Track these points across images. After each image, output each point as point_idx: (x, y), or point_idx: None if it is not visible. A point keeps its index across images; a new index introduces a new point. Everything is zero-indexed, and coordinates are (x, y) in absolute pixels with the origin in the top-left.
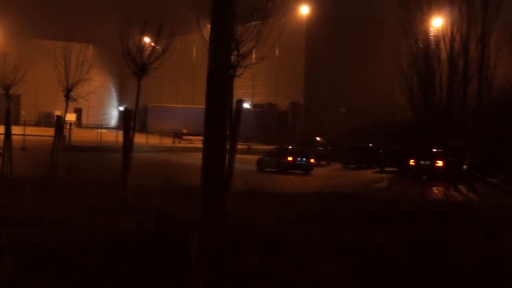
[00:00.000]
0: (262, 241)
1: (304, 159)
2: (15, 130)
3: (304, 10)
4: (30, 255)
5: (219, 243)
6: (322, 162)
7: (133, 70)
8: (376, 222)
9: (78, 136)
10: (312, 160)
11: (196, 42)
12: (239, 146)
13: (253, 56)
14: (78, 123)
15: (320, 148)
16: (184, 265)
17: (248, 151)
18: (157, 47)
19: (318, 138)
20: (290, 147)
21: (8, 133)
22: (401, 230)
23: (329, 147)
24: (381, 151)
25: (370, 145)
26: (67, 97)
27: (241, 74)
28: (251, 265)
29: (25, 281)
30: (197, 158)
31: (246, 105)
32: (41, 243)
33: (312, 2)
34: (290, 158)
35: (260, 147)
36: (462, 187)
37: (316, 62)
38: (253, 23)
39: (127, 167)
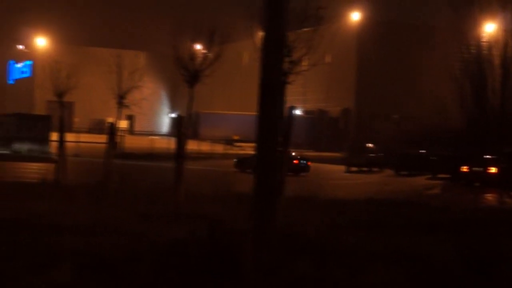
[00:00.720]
0: (314, 248)
1: (305, 161)
2: (69, 137)
3: (355, 17)
4: (85, 262)
5: (271, 250)
6: (374, 169)
7: (185, 77)
8: (430, 230)
9: (131, 143)
10: (309, 163)
11: (247, 49)
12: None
13: (305, 62)
14: (130, 130)
15: (371, 155)
16: (237, 273)
17: None
18: (209, 54)
19: (369, 145)
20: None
21: (61, 140)
22: (455, 238)
23: (380, 154)
24: (433, 158)
25: (422, 151)
26: (120, 104)
27: (293, 80)
28: (303, 273)
29: (79, 286)
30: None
31: (297, 112)
32: (96, 250)
33: (363, 8)
34: (295, 161)
35: (312, 153)
36: None
37: (367, 68)
38: (304, 29)
39: (179, 174)
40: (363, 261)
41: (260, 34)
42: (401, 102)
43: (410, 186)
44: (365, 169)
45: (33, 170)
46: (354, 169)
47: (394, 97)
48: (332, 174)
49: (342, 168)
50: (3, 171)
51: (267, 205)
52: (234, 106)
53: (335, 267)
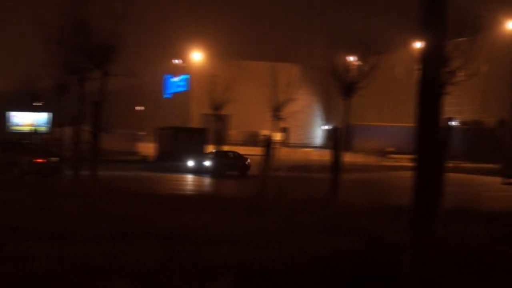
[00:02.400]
0: (476, 262)
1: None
2: (224, 149)
3: None
4: (243, 274)
5: (431, 264)
6: None
7: (340, 90)
8: None
9: (285, 155)
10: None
11: (401, 60)
12: (446, 164)
13: (461, 72)
14: (284, 142)
15: None
16: (396, 286)
17: (455, 169)
18: (363, 66)
19: None
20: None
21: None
22: None
23: None
24: None
25: None
26: (275, 116)
27: (450, 91)
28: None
29: None
30: (403, 177)
31: (453, 123)
32: (253, 262)
33: None
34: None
35: (468, 165)
36: None
37: None
38: (462, 39)
39: (335, 186)
40: None
41: (415, 44)
42: None
43: None
44: None
45: (189, 182)
46: (511, 180)
47: None
48: (488, 186)
49: (498, 179)
50: (161, 183)
51: (425, 218)
52: (387, 118)
53: (499, 282)
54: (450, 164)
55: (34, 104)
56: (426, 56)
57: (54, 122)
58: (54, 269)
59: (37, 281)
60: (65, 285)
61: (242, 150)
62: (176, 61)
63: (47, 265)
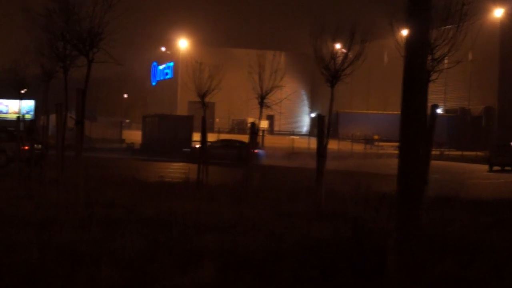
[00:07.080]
0: (459, 248)
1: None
2: (210, 137)
3: (498, 13)
4: (227, 260)
5: (415, 250)
6: None
7: (326, 77)
8: None
9: (270, 142)
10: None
11: (388, 47)
12: (431, 152)
13: (446, 60)
14: (270, 129)
15: None
16: (379, 273)
17: (440, 157)
18: (349, 54)
19: None
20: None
21: (204, 141)
22: None
23: None
24: None
25: None
26: (261, 104)
27: (436, 79)
28: (448, 273)
29: (223, 285)
30: (388, 164)
31: (439, 110)
32: (237, 249)
33: (507, 4)
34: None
35: (453, 152)
36: None
37: (511, 65)
38: (447, 27)
39: (320, 173)
40: (511, 261)
41: (402, 31)
42: None
43: None
44: (508, 168)
45: (175, 169)
46: (496, 168)
47: None
48: (474, 173)
49: (484, 167)
50: (147, 171)
51: (411, 205)
52: (374, 105)
53: (480, 267)
54: (436, 152)
55: (20, 91)
56: (411, 43)
57: (40, 110)
58: (41, 256)
59: (25, 268)
60: (53, 272)
61: (228, 137)
62: (162, 48)
63: (35, 253)
